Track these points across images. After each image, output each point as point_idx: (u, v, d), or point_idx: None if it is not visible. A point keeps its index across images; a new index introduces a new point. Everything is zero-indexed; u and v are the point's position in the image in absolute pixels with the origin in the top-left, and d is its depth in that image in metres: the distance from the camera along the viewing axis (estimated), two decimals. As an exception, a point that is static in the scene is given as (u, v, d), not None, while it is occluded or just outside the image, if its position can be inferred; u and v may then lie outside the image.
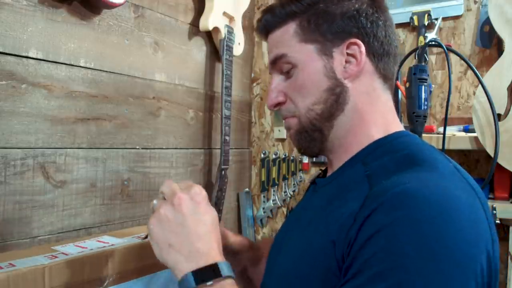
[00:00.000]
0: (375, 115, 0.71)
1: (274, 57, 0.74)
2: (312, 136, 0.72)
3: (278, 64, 0.74)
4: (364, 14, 0.70)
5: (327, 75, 0.70)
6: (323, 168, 0.83)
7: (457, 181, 0.61)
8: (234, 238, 0.92)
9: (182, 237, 0.64)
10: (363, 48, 0.69)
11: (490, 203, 1.21)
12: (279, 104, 0.76)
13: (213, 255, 0.64)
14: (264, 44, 1.76)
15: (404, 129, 0.73)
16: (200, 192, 0.68)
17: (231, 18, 1.48)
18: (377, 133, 0.70)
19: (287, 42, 0.72)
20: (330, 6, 0.70)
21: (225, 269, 0.62)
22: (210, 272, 0.61)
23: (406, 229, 0.52)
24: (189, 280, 0.61)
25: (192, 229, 0.64)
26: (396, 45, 0.74)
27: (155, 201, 0.69)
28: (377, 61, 0.71)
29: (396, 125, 0.72)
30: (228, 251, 0.88)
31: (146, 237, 0.83)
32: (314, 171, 1.67)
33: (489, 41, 1.36)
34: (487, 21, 1.31)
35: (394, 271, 0.51)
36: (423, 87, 1.19)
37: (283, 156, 1.71)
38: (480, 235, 0.55)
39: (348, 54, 0.70)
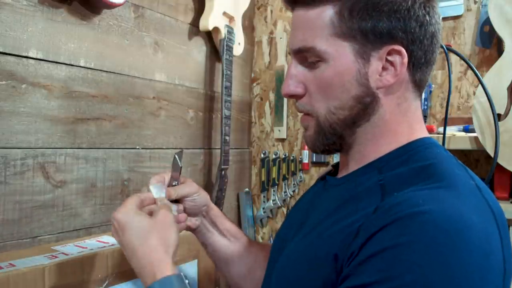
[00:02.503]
0: (402, 125, 0.66)
1: (298, 48, 0.65)
2: (331, 140, 0.67)
3: (303, 53, 0.65)
4: (415, 16, 0.61)
5: (359, 81, 0.63)
6: (332, 164, 0.78)
7: (476, 202, 0.56)
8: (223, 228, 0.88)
9: (131, 260, 0.68)
10: (405, 60, 0.62)
11: (490, 203, 1.21)
12: (296, 95, 0.68)
13: (154, 270, 0.64)
14: (264, 44, 1.76)
15: (429, 136, 0.68)
16: (114, 218, 0.69)
17: (231, 18, 1.48)
18: (400, 143, 0.65)
19: (318, 31, 0.63)
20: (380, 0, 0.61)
21: (165, 285, 0.63)
22: None
23: (410, 256, 0.50)
24: None
25: (129, 251, 0.68)
26: (438, 52, 0.66)
27: None
28: (415, 71, 0.64)
29: (421, 133, 0.67)
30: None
31: None
32: (314, 171, 1.67)
33: (489, 41, 1.36)
34: (487, 21, 1.31)
35: None
36: (423, 87, 1.19)
37: (283, 156, 1.71)
38: (490, 269, 0.52)
39: (386, 60, 0.62)
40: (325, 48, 0.63)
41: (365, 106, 0.64)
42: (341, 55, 0.62)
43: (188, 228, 0.84)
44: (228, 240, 0.88)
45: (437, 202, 0.53)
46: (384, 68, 0.63)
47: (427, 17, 0.62)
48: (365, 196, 0.61)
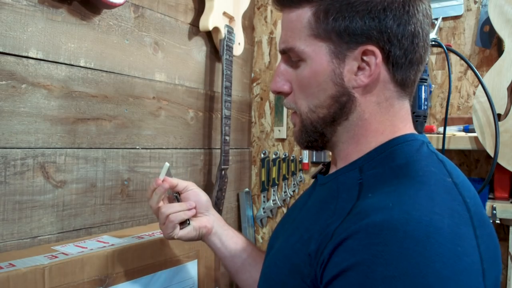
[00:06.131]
0: (383, 124, 0.66)
1: (282, 49, 0.68)
2: (313, 137, 0.69)
3: (287, 53, 0.68)
4: (391, 15, 0.61)
5: (334, 81, 0.64)
6: (325, 162, 0.80)
7: (449, 201, 0.56)
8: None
9: None
10: (379, 59, 0.61)
11: (490, 203, 1.21)
12: (282, 93, 0.70)
13: None
14: (264, 44, 1.76)
15: (413, 132, 0.67)
16: None
17: (231, 18, 1.48)
18: (380, 141, 0.65)
19: (297, 32, 0.65)
20: None
21: None
22: None
23: (382, 268, 0.50)
24: None
25: None
26: (423, 52, 0.65)
27: None
28: (395, 70, 0.63)
29: (404, 131, 0.67)
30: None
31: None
32: (314, 171, 1.67)
33: (489, 41, 1.36)
34: (487, 21, 1.31)
35: None
36: (423, 87, 1.19)
37: (283, 156, 1.71)
38: (464, 271, 0.51)
39: (363, 61, 0.63)
40: (303, 48, 0.65)
41: (341, 105, 0.65)
42: (317, 55, 0.64)
43: (204, 229, 0.88)
44: (236, 250, 0.90)
45: (407, 205, 0.54)
46: (360, 68, 0.63)
47: (406, 16, 0.61)
48: (345, 195, 0.62)
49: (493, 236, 0.59)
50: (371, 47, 0.61)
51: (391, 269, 0.50)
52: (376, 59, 0.62)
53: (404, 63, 0.63)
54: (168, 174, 0.86)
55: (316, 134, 0.68)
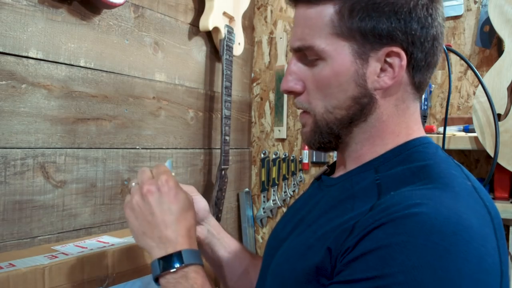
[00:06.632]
0: (399, 126, 0.65)
1: (298, 46, 0.65)
2: (327, 139, 0.67)
3: (302, 51, 0.65)
4: (416, 18, 0.60)
5: (357, 82, 0.62)
6: (330, 163, 0.79)
7: (473, 203, 0.56)
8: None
9: (152, 225, 0.68)
10: (404, 62, 0.61)
11: (490, 203, 1.21)
12: (294, 92, 0.68)
13: (181, 242, 0.67)
14: (264, 44, 1.76)
15: (426, 135, 0.68)
16: (166, 182, 0.70)
17: (231, 18, 1.48)
18: (396, 143, 0.65)
19: (317, 30, 0.63)
20: None
21: (190, 256, 0.66)
22: (174, 259, 0.65)
23: (403, 256, 0.50)
24: (156, 267, 0.66)
25: (160, 218, 0.68)
26: (440, 55, 0.65)
27: (133, 183, 0.72)
28: (415, 73, 0.63)
29: (418, 133, 0.67)
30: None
31: None
32: (314, 171, 1.67)
33: (489, 41, 1.36)
34: (487, 21, 1.31)
35: None
36: (423, 87, 1.19)
37: (283, 156, 1.71)
38: (485, 271, 0.51)
39: (385, 62, 0.62)
40: (324, 47, 0.62)
41: (362, 107, 0.64)
42: (340, 54, 0.62)
43: (198, 239, 0.86)
44: (232, 255, 0.89)
45: (435, 202, 0.53)
46: (382, 70, 0.62)
47: (429, 19, 0.61)
48: (362, 195, 0.61)
49: (505, 240, 0.60)
50: (396, 49, 0.61)
51: (412, 258, 0.50)
52: (401, 61, 0.61)
53: (423, 66, 0.63)
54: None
55: (331, 136, 0.67)
